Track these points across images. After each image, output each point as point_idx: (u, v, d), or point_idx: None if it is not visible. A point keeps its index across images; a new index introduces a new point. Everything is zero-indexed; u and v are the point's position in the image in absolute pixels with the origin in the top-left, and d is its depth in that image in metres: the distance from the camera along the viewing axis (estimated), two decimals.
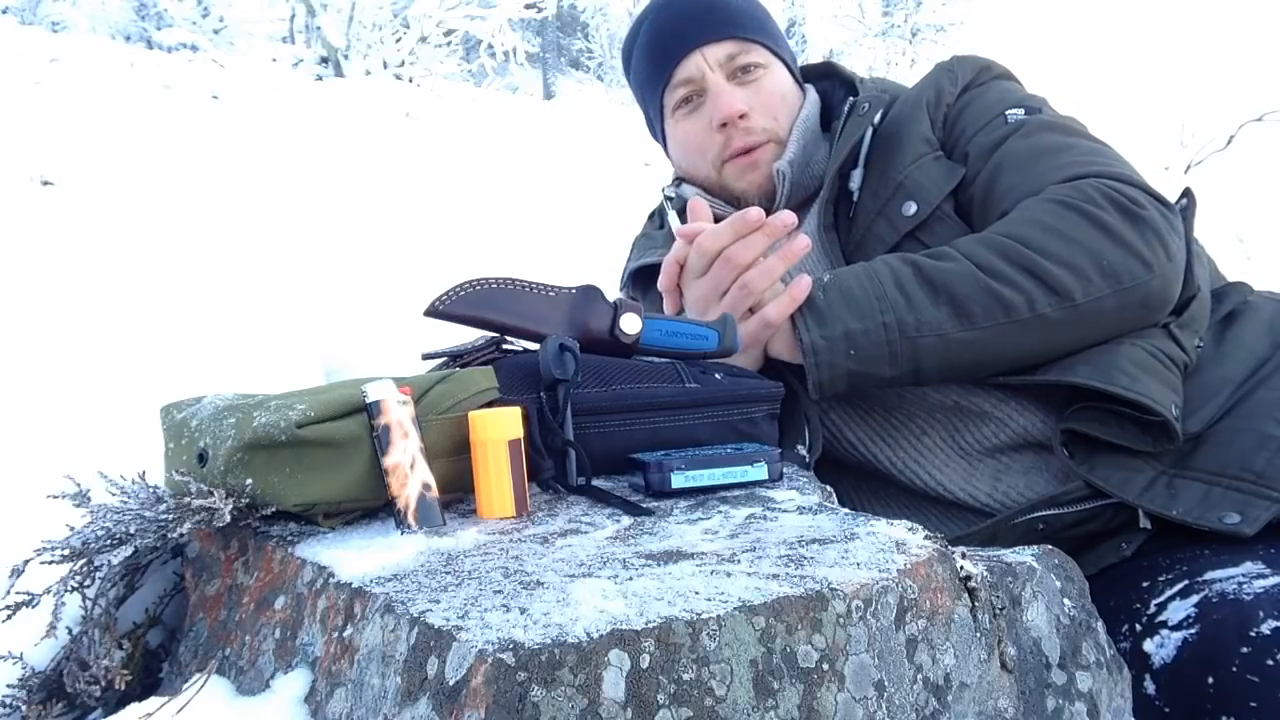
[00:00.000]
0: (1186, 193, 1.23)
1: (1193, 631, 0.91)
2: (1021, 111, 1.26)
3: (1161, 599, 0.97)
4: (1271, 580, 0.91)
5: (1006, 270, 1.08)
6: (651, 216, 1.57)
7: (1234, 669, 0.85)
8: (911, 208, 1.23)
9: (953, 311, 1.08)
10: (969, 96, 1.31)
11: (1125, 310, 1.10)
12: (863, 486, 1.25)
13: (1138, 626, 0.96)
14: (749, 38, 1.36)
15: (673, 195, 1.45)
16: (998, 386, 1.16)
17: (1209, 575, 0.96)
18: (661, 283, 1.23)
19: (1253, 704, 0.83)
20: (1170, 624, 0.93)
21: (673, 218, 1.42)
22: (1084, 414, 1.09)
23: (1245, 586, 0.91)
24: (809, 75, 1.47)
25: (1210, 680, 0.87)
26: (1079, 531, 1.09)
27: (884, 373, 1.10)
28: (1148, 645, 0.94)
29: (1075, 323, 1.09)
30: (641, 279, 1.46)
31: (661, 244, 1.44)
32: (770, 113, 1.35)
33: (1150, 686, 0.92)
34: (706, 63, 1.34)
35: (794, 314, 1.12)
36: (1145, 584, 1.00)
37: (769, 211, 1.35)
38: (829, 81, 1.45)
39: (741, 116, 1.32)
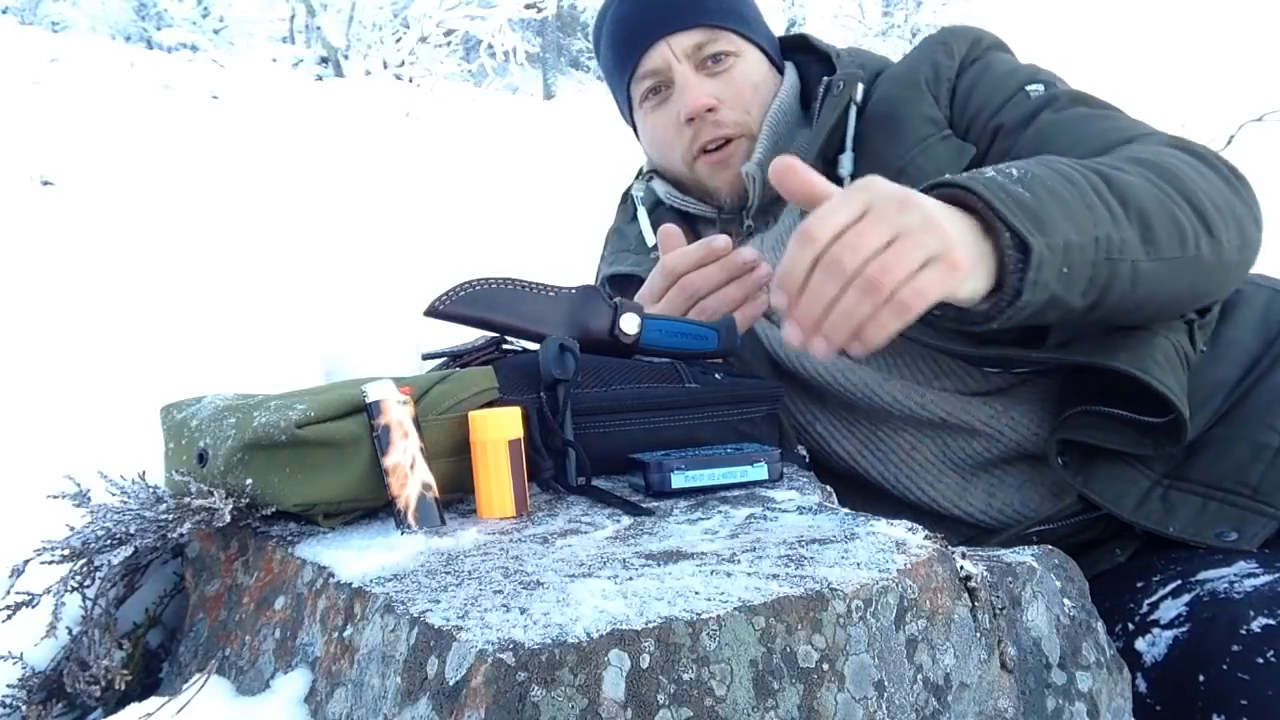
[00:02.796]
0: None
1: (1184, 630, 0.91)
2: (1041, 87, 1.18)
3: (1154, 598, 0.96)
4: (1262, 579, 0.91)
5: (1175, 195, 0.93)
6: (624, 200, 1.49)
7: (1225, 666, 0.85)
8: None
9: (1141, 235, 0.90)
10: (972, 71, 1.23)
11: (1237, 268, 1.00)
12: (855, 496, 1.22)
13: (1130, 626, 0.96)
14: (717, 24, 1.29)
15: (642, 192, 1.41)
16: (990, 395, 1.13)
17: (1201, 575, 0.96)
18: None
19: (1243, 701, 0.83)
20: (1162, 622, 0.93)
21: (643, 220, 1.39)
22: (1079, 420, 1.05)
23: (1236, 585, 0.91)
24: (785, 48, 1.39)
25: (1201, 678, 0.86)
26: (1074, 540, 1.08)
27: (1074, 303, 0.88)
28: (1139, 644, 0.93)
29: (1209, 269, 0.95)
30: (618, 285, 1.40)
31: (634, 245, 1.41)
32: (742, 105, 1.28)
33: (1142, 684, 0.92)
34: (673, 53, 1.27)
35: (1002, 210, 0.83)
36: (1139, 584, 1.00)
37: (743, 210, 1.32)
38: (805, 55, 1.38)
39: (710, 110, 1.26)
